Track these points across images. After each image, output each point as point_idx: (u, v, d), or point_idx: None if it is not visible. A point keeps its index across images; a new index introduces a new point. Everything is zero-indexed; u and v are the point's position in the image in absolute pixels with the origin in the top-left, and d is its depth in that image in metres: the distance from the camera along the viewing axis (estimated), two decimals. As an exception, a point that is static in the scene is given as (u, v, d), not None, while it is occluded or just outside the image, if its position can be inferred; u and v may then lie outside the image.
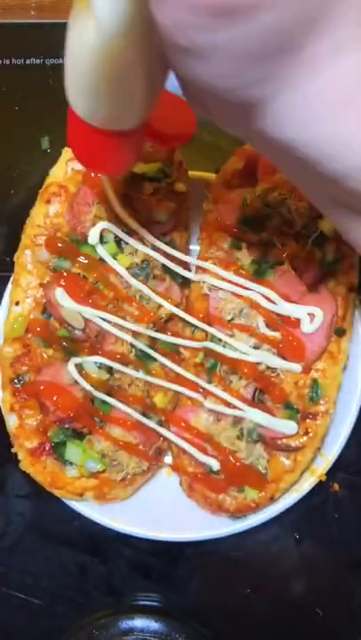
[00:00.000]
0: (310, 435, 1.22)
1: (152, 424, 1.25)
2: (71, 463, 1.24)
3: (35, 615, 1.33)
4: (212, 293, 1.25)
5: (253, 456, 1.22)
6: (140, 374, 1.25)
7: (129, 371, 1.24)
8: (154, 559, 1.33)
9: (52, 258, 1.26)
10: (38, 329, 1.26)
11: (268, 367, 1.22)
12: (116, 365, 1.23)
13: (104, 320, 1.22)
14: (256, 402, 1.23)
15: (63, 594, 1.33)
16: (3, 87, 1.53)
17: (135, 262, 1.24)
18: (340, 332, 1.24)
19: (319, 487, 1.30)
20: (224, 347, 1.22)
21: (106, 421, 1.24)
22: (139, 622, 1.31)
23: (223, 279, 1.23)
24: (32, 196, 1.47)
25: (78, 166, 1.29)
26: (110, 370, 1.24)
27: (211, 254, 1.28)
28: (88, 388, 1.21)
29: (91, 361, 1.22)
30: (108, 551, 1.34)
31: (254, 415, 1.20)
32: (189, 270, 1.31)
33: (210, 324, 1.25)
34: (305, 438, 1.22)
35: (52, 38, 1.55)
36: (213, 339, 1.24)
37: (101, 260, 1.23)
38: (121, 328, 1.23)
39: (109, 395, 1.24)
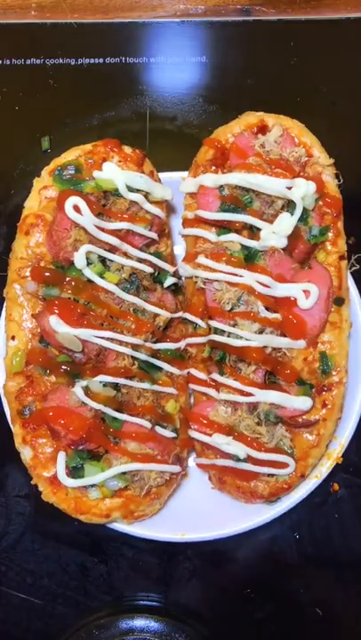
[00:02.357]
0: (329, 406, 1.24)
1: (167, 433, 1.25)
2: (92, 485, 1.22)
3: (35, 615, 1.33)
4: (208, 286, 1.25)
5: (276, 438, 1.24)
6: (147, 385, 1.25)
7: (135, 384, 1.24)
8: (154, 559, 1.33)
9: (40, 287, 1.25)
10: (39, 359, 1.25)
11: (274, 349, 1.24)
12: (121, 381, 1.22)
13: (101, 338, 1.21)
14: (268, 384, 1.25)
15: (63, 593, 1.33)
16: (3, 87, 1.53)
17: (123, 277, 1.24)
18: (339, 302, 1.26)
19: (319, 487, 1.30)
20: (228, 337, 1.23)
21: (120, 437, 1.23)
22: (139, 622, 1.31)
23: (215, 270, 1.24)
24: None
25: (52, 194, 1.29)
26: (117, 386, 1.23)
27: (198, 248, 1.28)
28: (97, 407, 1.20)
29: (96, 381, 1.21)
30: (108, 551, 1.34)
31: (268, 396, 1.22)
32: (179, 277, 1.32)
33: (210, 317, 1.25)
34: (324, 411, 1.24)
35: (51, 38, 1.55)
36: (217, 331, 1.24)
37: (89, 281, 1.23)
38: (120, 343, 1.22)
39: (119, 411, 1.22)
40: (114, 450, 1.22)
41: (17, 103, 1.51)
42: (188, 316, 1.28)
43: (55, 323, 1.18)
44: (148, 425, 1.23)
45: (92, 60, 1.53)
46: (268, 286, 1.21)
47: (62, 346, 1.21)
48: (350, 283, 1.30)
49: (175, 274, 1.31)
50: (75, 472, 1.21)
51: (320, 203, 1.25)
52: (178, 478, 1.29)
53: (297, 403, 1.22)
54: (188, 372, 1.31)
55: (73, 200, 1.19)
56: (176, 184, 1.33)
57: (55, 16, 1.56)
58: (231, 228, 1.25)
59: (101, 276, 1.23)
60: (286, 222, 1.21)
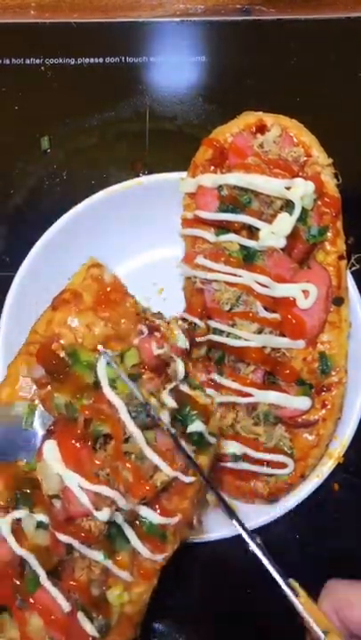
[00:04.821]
0: (328, 406, 1.24)
1: (89, 628, 0.98)
2: None
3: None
4: (206, 286, 1.25)
5: (275, 438, 1.24)
6: (100, 557, 1.00)
7: (86, 550, 0.99)
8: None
9: (45, 377, 1.10)
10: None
11: (273, 349, 1.24)
12: (74, 543, 0.99)
13: (82, 489, 0.98)
14: (267, 384, 1.25)
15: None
16: (2, 87, 1.53)
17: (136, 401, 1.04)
18: (339, 302, 1.26)
19: (320, 487, 1.30)
20: (227, 337, 1.23)
21: (28, 604, 0.99)
22: (138, 622, 1.31)
23: (214, 271, 1.23)
24: (32, 195, 1.48)
25: (98, 273, 1.18)
26: (70, 545, 1.01)
27: (197, 248, 1.28)
28: (18, 551, 0.98)
29: (31, 517, 1.01)
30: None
31: (267, 396, 1.22)
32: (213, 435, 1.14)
33: (209, 318, 1.25)
34: (324, 411, 1.24)
35: (52, 38, 1.55)
36: (215, 331, 1.24)
37: (96, 384, 1.05)
38: (103, 500, 0.99)
39: (54, 570, 1.00)
40: (16, 613, 1.01)
41: (16, 103, 1.51)
42: (186, 315, 1.27)
43: (49, 450, 1.00)
44: (67, 608, 0.99)
45: (91, 60, 1.53)
46: (267, 286, 1.21)
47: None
48: (350, 282, 1.30)
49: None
50: None
51: (319, 203, 1.25)
52: None
53: (296, 403, 1.22)
54: (165, 556, 1.07)
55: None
56: (176, 184, 1.32)
57: (55, 15, 1.56)
58: (230, 229, 1.24)
59: (113, 383, 1.04)
60: (285, 222, 1.20)
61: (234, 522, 1.05)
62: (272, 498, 1.27)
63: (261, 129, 1.28)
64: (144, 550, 1.03)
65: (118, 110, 1.52)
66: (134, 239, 1.40)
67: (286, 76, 1.53)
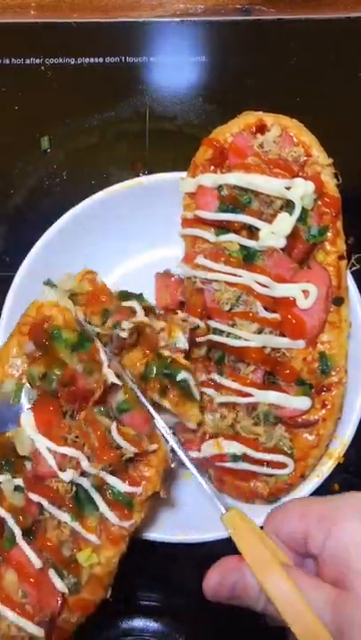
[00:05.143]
0: (328, 406, 1.23)
1: (59, 583, 1.07)
2: None
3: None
4: (206, 286, 1.25)
5: (275, 438, 1.24)
6: (67, 518, 1.09)
7: (55, 510, 1.09)
8: (154, 559, 1.33)
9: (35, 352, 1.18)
10: None
11: (273, 349, 1.24)
12: (41, 500, 1.09)
13: (50, 451, 1.09)
14: (267, 384, 1.25)
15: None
16: (2, 87, 1.53)
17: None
18: (339, 302, 1.25)
19: (320, 487, 1.30)
20: (227, 337, 1.23)
21: (4, 560, 1.10)
22: (139, 622, 1.31)
23: (214, 271, 1.23)
24: (32, 195, 1.48)
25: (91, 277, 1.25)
26: (41, 506, 1.10)
27: (197, 248, 1.28)
28: None
29: (9, 481, 1.11)
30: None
31: (267, 396, 1.22)
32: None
33: (209, 318, 1.25)
34: (324, 411, 1.23)
35: (51, 38, 1.55)
36: (215, 331, 1.24)
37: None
38: (69, 461, 1.09)
39: (29, 529, 1.09)
40: None
41: (16, 103, 1.51)
42: (186, 316, 1.28)
43: (25, 417, 1.12)
44: (38, 565, 1.08)
45: (91, 60, 1.53)
46: (266, 286, 1.21)
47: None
48: (350, 282, 1.30)
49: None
50: None
51: (319, 202, 1.25)
52: None
53: (296, 403, 1.22)
54: (133, 523, 1.12)
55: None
56: (176, 184, 1.32)
57: (54, 15, 1.56)
58: (230, 228, 1.24)
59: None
60: (285, 222, 1.20)
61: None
62: (272, 498, 1.27)
63: (261, 129, 1.28)
64: (111, 516, 1.09)
65: (118, 110, 1.52)
66: (134, 239, 1.40)
67: (286, 76, 1.54)
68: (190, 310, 1.28)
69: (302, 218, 1.23)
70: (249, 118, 1.29)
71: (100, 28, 1.55)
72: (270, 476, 1.24)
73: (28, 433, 1.10)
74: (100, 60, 1.54)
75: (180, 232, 1.32)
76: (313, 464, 1.26)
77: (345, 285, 1.27)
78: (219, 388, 1.25)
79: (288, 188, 1.21)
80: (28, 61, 1.54)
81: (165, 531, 1.28)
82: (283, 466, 1.23)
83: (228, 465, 1.24)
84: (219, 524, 1.25)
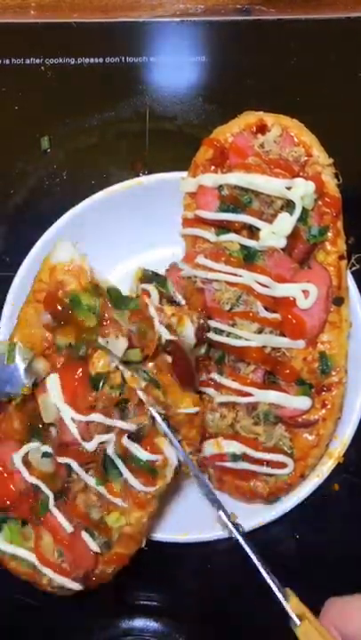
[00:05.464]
0: (328, 406, 1.24)
1: (92, 544, 1.15)
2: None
3: (34, 615, 1.32)
4: (207, 286, 1.25)
5: (275, 438, 1.24)
6: (93, 482, 1.15)
7: (82, 473, 1.14)
8: (154, 559, 1.33)
9: (54, 324, 1.19)
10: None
11: (273, 348, 1.24)
12: (69, 462, 1.13)
13: (73, 421, 1.13)
14: (267, 384, 1.25)
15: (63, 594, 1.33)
16: (2, 87, 1.53)
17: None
18: (339, 301, 1.26)
19: (320, 487, 1.30)
20: (228, 336, 1.23)
21: (40, 522, 1.17)
22: (139, 622, 1.31)
23: (215, 270, 1.24)
24: (32, 195, 1.48)
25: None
26: (70, 468, 1.15)
27: (198, 248, 1.29)
28: (30, 480, 1.14)
29: (37, 449, 1.15)
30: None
31: (267, 396, 1.22)
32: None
33: (210, 317, 1.25)
34: (324, 411, 1.24)
35: (52, 38, 1.55)
36: (216, 330, 1.24)
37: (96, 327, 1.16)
38: (95, 428, 1.13)
39: (57, 495, 1.15)
40: (34, 529, 1.18)
41: (16, 103, 1.51)
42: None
43: (52, 382, 1.14)
44: (69, 529, 1.15)
45: (91, 60, 1.53)
46: (267, 286, 1.21)
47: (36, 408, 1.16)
48: (350, 282, 1.30)
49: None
50: None
51: (319, 202, 1.25)
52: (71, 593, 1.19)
53: (296, 402, 1.22)
54: (157, 488, 1.16)
55: None
56: (176, 184, 1.32)
57: (54, 15, 1.56)
58: (230, 228, 1.25)
59: None
60: (285, 222, 1.20)
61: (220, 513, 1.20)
62: (272, 498, 1.27)
63: (262, 129, 1.28)
64: (135, 482, 1.14)
65: (118, 110, 1.52)
66: (134, 239, 1.40)
67: (286, 76, 1.54)
68: (191, 310, 1.28)
69: (303, 218, 1.23)
70: (249, 118, 1.29)
71: (100, 28, 1.55)
72: (270, 475, 1.25)
73: (54, 400, 1.12)
74: (100, 60, 1.53)
75: (181, 232, 1.33)
76: (313, 464, 1.27)
77: (345, 285, 1.27)
78: (219, 387, 1.25)
79: (289, 188, 1.21)
80: (28, 61, 1.53)
81: (166, 531, 1.28)
82: (282, 465, 1.23)
83: (228, 464, 1.24)
84: (218, 525, 1.26)
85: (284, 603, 1.07)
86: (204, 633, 1.34)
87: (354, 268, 1.32)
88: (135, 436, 1.14)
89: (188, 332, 1.17)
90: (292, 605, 1.07)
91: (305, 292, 1.22)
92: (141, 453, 1.14)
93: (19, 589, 1.33)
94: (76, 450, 1.14)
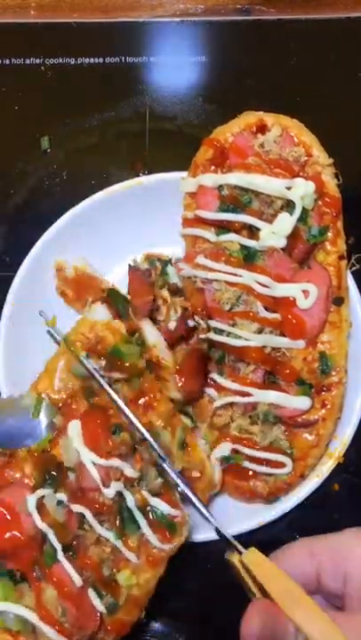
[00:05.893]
0: (328, 406, 1.24)
1: (98, 604, 1.08)
2: None
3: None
4: (207, 286, 1.25)
5: (269, 437, 1.24)
6: (111, 536, 1.10)
7: (98, 526, 1.10)
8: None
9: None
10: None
11: (273, 348, 1.24)
12: (85, 513, 1.09)
13: (94, 465, 1.10)
14: (267, 384, 1.25)
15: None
16: (2, 87, 1.53)
17: None
18: (339, 301, 1.26)
19: (319, 487, 1.30)
20: (228, 336, 1.23)
21: (44, 576, 1.09)
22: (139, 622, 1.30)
23: (215, 270, 1.23)
24: (32, 195, 1.48)
25: None
26: (83, 519, 1.11)
27: (198, 248, 1.28)
28: (40, 525, 1.07)
29: (52, 496, 1.10)
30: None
31: (266, 396, 1.22)
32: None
33: (210, 317, 1.25)
34: (323, 411, 1.24)
35: (52, 38, 1.55)
36: (216, 330, 1.24)
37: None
38: (114, 473, 1.11)
39: (69, 545, 1.09)
40: (31, 584, 1.09)
41: (16, 103, 1.51)
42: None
43: (73, 428, 1.13)
44: (79, 582, 1.08)
45: (91, 60, 1.53)
46: (267, 286, 1.21)
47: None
48: (350, 282, 1.30)
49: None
50: None
51: (319, 202, 1.25)
52: None
53: (296, 402, 1.22)
54: (173, 546, 1.13)
55: None
56: (176, 184, 1.32)
57: (54, 15, 1.56)
58: (230, 228, 1.24)
59: None
60: (286, 222, 1.20)
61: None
62: (272, 498, 1.27)
63: (262, 129, 1.28)
64: (153, 537, 1.11)
65: (118, 110, 1.52)
66: (134, 239, 1.39)
67: (286, 76, 1.54)
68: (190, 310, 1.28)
69: (303, 218, 1.23)
70: (249, 118, 1.29)
71: (100, 28, 1.55)
72: (270, 475, 1.25)
73: (75, 444, 1.11)
74: (100, 60, 1.53)
75: (181, 232, 1.33)
76: (313, 464, 1.27)
77: (345, 285, 1.27)
78: (219, 387, 1.25)
79: (289, 188, 1.21)
80: (28, 61, 1.53)
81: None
82: (281, 465, 1.23)
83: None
84: (218, 525, 1.25)
85: (229, 537, 1.02)
86: (204, 633, 1.34)
87: (354, 268, 1.32)
88: (154, 490, 1.12)
89: (172, 321, 1.20)
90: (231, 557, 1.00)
91: (305, 292, 1.22)
92: (163, 507, 1.12)
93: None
94: (92, 498, 1.11)
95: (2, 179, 1.50)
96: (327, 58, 1.53)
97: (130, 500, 1.10)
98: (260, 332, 1.22)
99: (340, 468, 1.32)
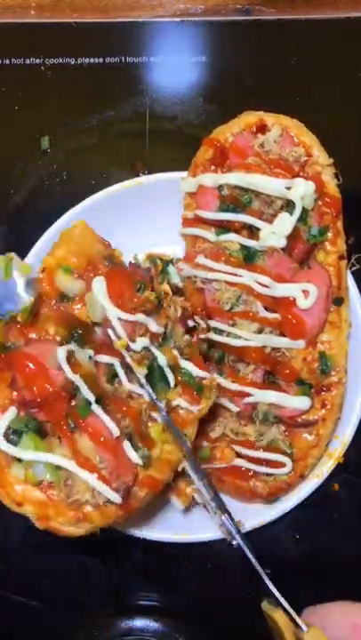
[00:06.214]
0: (328, 406, 1.24)
1: (133, 455, 1.09)
2: (20, 460, 1.07)
3: (35, 615, 1.33)
4: (207, 286, 1.25)
5: (268, 437, 1.24)
6: (145, 392, 1.13)
7: (124, 379, 1.12)
8: (154, 559, 1.33)
9: None
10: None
11: (273, 348, 1.24)
12: (116, 363, 1.11)
13: (120, 320, 1.13)
14: (267, 384, 1.25)
15: (64, 594, 1.33)
16: (2, 87, 1.53)
17: None
18: (339, 302, 1.26)
19: (319, 487, 1.30)
20: (228, 336, 1.23)
21: (78, 427, 1.08)
22: (139, 622, 1.31)
23: (215, 270, 1.24)
24: (32, 195, 1.48)
25: None
26: (111, 373, 1.13)
27: (198, 248, 1.29)
28: (71, 376, 1.07)
29: (84, 351, 1.11)
30: (109, 551, 1.34)
31: (266, 396, 1.22)
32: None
33: (210, 317, 1.25)
34: (323, 411, 1.24)
35: (51, 38, 1.55)
36: (216, 330, 1.24)
37: None
38: (139, 329, 1.15)
39: (99, 399, 1.09)
40: (64, 435, 1.08)
41: (16, 103, 1.51)
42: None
43: (98, 284, 1.14)
44: (116, 432, 1.08)
45: (91, 60, 1.53)
46: (267, 286, 1.21)
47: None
48: (350, 282, 1.30)
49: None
50: (12, 436, 1.08)
51: (319, 202, 1.25)
52: (113, 516, 1.10)
53: (296, 402, 1.22)
54: (200, 408, 1.17)
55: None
56: (176, 184, 1.33)
57: (55, 15, 1.56)
58: (230, 228, 1.25)
59: None
60: (285, 222, 1.21)
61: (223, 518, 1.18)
62: (272, 498, 1.27)
63: (262, 129, 1.28)
64: (182, 401, 1.15)
65: (118, 110, 1.52)
66: (134, 239, 1.39)
67: (286, 76, 1.54)
68: (191, 310, 1.28)
69: (303, 218, 1.23)
70: (250, 118, 1.30)
71: (100, 28, 1.55)
72: (270, 475, 1.25)
73: (101, 301, 1.12)
74: (100, 60, 1.53)
75: (181, 232, 1.33)
76: (313, 464, 1.27)
77: (345, 285, 1.27)
78: (218, 387, 1.25)
79: (289, 188, 1.21)
80: (28, 61, 1.53)
81: (165, 531, 1.28)
82: (281, 465, 1.23)
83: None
84: (218, 525, 1.26)
85: (293, 613, 1.07)
86: (204, 633, 1.34)
87: (354, 268, 1.33)
88: (181, 349, 1.17)
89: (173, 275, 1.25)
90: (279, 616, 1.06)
91: (305, 292, 1.22)
92: (191, 368, 1.15)
93: (19, 589, 1.33)
94: (120, 351, 1.13)
95: (2, 179, 1.50)
96: (327, 58, 1.53)
97: (161, 359, 1.13)
98: (260, 332, 1.22)
99: (340, 467, 1.32)
